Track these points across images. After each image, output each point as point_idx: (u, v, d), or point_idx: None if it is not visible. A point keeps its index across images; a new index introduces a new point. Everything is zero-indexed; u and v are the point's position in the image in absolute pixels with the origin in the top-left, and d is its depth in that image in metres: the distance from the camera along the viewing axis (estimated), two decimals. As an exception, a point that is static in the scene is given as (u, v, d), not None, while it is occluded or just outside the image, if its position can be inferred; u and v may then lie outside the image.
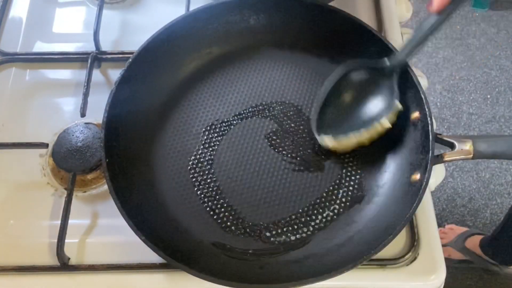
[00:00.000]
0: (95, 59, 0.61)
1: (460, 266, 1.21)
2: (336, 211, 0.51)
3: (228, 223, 0.50)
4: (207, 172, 0.53)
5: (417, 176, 0.48)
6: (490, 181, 1.36)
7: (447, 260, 1.20)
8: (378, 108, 0.51)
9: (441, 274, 0.49)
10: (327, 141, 0.51)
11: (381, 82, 0.51)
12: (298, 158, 0.53)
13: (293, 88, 0.58)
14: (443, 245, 1.17)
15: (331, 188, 0.52)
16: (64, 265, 0.49)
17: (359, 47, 0.56)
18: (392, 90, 0.50)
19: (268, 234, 0.50)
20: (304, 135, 0.55)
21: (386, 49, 0.53)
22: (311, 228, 0.50)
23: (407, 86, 0.52)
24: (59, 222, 0.50)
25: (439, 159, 0.47)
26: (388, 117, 0.50)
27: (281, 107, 0.57)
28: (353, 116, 0.52)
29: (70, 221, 0.51)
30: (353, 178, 0.52)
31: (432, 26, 0.46)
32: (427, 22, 0.46)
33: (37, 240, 0.51)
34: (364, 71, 0.52)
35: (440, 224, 1.26)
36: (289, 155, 0.54)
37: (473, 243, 1.16)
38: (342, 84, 0.52)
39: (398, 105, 0.50)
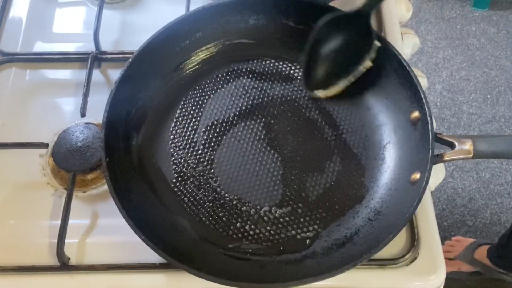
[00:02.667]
0: (95, 59, 0.61)
1: (472, 278, 1.20)
2: (336, 211, 0.51)
3: (229, 223, 0.50)
4: (207, 171, 0.53)
5: (417, 176, 0.48)
6: (490, 181, 1.36)
7: (459, 273, 1.19)
8: (359, 52, 0.54)
9: (441, 274, 0.49)
10: (319, 94, 0.56)
11: (356, 27, 0.53)
12: (298, 158, 0.53)
13: (293, 87, 0.58)
14: (451, 259, 1.17)
15: (331, 188, 0.52)
16: (64, 265, 0.49)
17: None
18: (368, 31, 0.53)
19: (268, 234, 0.50)
20: (303, 134, 0.55)
21: (385, 49, 0.53)
22: (310, 228, 0.50)
23: (407, 86, 0.52)
24: (59, 222, 0.50)
25: (439, 158, 0.47)
26: (370, 57, 0.54)
27: (281, 107, 0.57)
28: (338, 66, 0.55)
29: (70, 221, 0.51)
30: (353, 178, 0.52)
31: None
32: None
33: (37, 240, 0.51)
34: (339, 22, 0.53)
35: (440, 225, 1.26)
36: (289, 155, 0.54)
37: (482, 254, 1.15)
38: (321, 40, 0.54)
39: (377, 43, 0.53)
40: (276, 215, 0.51)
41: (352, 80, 0.55)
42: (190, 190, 0.52)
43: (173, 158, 0.54)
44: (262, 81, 0.58)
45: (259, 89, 0.58)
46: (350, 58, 0.54)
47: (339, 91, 0.56)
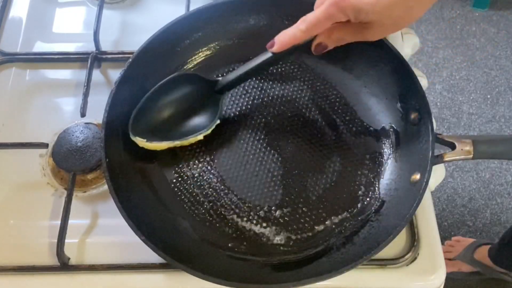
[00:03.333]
0: (95, 59, 0.61)
1: (472, 278, 1.20)
2: (336, 211, 0.51)
3: (229, 223, 0.50)
4: (207, 171, 0.53)
5: (417, 176, 0.48)
6: (490, 181, 1.36)
7: (459, 274, 1.19)
8: (199, 122, 0.53)
9: (441, 274, 0.49)
10: (139, 141, 0.51)
11: (208, 96, 0.53)
12: (298, 158, 0.53)
13: (293, 87, 0.58)
14: (451, 259, 1.17)
15: (331, 188, 0.52)
16: (64, 265, 0.49)
17: (358, 47, 0.56)
18: (215, 108, 0.53)
19: (268, 234, 0.50)
20: (303, 134, 0.55)
21: (385, 49, 0.53)
22: (310, 228, 0.50)
23: (407, 86, 0.52)
24: (59, 222, 0.50)
25: (439, 159, 0.47)
26: (205, 132, 0.52)
27: (282, 107, 0.57)
28: (174, 124, 0.53)
29: (70, 221, 0.51)
30: (353, 179, 0.52)
31: (264, 62, 0.48)
32: (261, 57, 0.48)
33: (37, 240, 0.51)
34: (196, 82, 0.53)
35: (440, 225, 1.26)
36: (289, 155, 0.54)
37: (482, 254, 1.15)
38: (169, 91, 0.52)
39: (217, 122, 0.53)
40: (276, 215, 0.51)
41: (178, 145, 0.52)
42: (190, 190, 0.52)
43: (174, 157, 0.54)
44: (262, 81, 0.58)
45: (259, 89, 0.58)
46: (188, 123, 0.53)
47: (160, 148, 0.52)
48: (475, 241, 1.20)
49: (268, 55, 0.47)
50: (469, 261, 1.17)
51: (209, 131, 0.53)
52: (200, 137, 0.52)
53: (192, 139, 0.52)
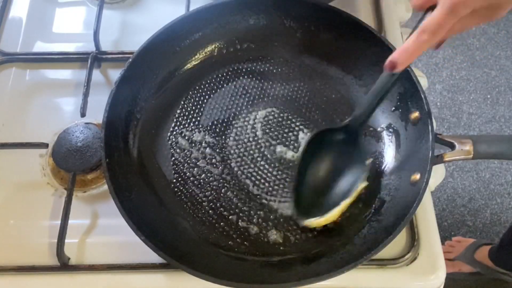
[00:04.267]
0: (95, 59, 0.61)
1: (472, 279, 1.20)
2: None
3: (229, 223, 0.50)
4: (207, 171, 0.53)
5: (417, 176, 0.48)
6: (490, 181, 1.36)
7: (459, 274, 1.19)
8: (352, 176, 0.50)
9: (441, 274, 0.49)
10: (315, 223, 0.49)
11: (346, 146, 0.50)
12: (298, 158, 0.53)
13: (293, 87, 0.58)
14: (452, 260, 1.17)
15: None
16: (64, 265, 0.49)
17: (358, 47, 0.56)
18: (359, 151, 0.51)
19: (268, 234, 0.50)
20: (301, 135, 0.55)
21: (385, 49, 0.53)
22: (310, 228, 0.50)
23: (407, 86, 0.52)
24: (59, 222, 0.50)
25: (439, 159, 0.47)
26: (363, 178, 0.50)
27: (281, 107, 0.57)
28: (330, 191, 0.50)
29: (70, 221, 0.51)
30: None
31: (390, 85, 0.46)
32: (384, 80, 0.45)
33: (37, 240, 0.51)
34: (328, 139, 0.50)
35: (440, 225, 1.26)
36: (289, 156, 0.54)
37: (482, 254, 1.15)
38: (311, 162, 0.50)
39: (369, 163, 0.51)
40: (276, 215, 0.51)
41: (348, 203, 0.49)
42: (190, 190, 0.52)
43: (173, 158, 0.54)
44: (262, 81, 0.58)
45: (259, 89, 0.58)
46: (342, 183, 0.50)
47: (335, 217, 0.49)
48: (476, 242, 1.20)
49: (390, 77, 0.44)
50: (469, 261, 1.17)
51: (365, 174, 0.50)
52: (363, 185, 0.50)
53: (355, 193, 0.49)
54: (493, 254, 1.12)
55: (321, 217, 0.49)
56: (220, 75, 0.59)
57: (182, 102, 0.57)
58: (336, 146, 0.51)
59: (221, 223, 0.50)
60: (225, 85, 0.58)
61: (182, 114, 0.56)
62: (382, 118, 0.55)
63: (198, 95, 0.57)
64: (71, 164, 0.53)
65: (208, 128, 0.55)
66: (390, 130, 0.54)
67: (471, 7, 0.37)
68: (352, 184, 0.50)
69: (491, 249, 1.13)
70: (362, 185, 0.50)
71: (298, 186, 0.50)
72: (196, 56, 0.59)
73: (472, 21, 0.40)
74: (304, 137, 0.55)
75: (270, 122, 0.56)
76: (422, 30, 0.39)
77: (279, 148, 0.54)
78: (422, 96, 0.50)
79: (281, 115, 0.56)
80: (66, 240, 0.50)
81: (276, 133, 0.55)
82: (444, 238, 1.26)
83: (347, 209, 0.50)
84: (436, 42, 0.42)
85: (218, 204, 0.51)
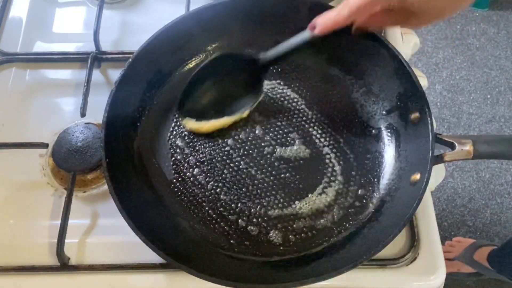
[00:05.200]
0: (95, 59, 0.61)
1: (471, 279, 1.20)
2: (336, 212, 0.51)
3: (229, 223, 0.50)
4: (207, 171, 0.53)
5: (417, 176, 0.48)
6: (490, 181, 1.36)
7: (458, 274, 1.18)
8: (243, 99, 0.54)
9: (441, 274, 0.49)
10: (189, 124, 0.54)
11: (250, 74, 0.53)
12: (298, 158, 0.53)
13: (293, 87, 0.58)
14: (451, 259, 1.16)
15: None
16: (64, 265, 0.49)
17: (358, 47, 0.56)
18: (259, 84, 0.54)
19: (268, 234, 0.50)
20: (302, 135, 0.55)
21: (385, 49, 0.53)
22: (310, 228, 0.50)
23: (407, 86, 0.52)
24: (59, 222, 0.50)
25: (439, 159, 0.47)
26: (250, 108, 0.54)
27: (281, 107, 0.56)
28: (219, 103, 0.54)
29: (70, 221, 0.51)
30: (353, 179, 0.52)
31: (302, 42, 0.48)
32: (302, 36, 0.48)
33: (37, 240, 0.51)
34: (235, 60, 0.53)
35: (440, 225, 1.26)
36: (289, 156, 0.54)
37: (482, 255, 1.15)
38: (214, 70, 0.53)
39: (261, 97, 0.54)
40: (276, 215, 0.51)
41: (223, 123, 0.54)
42: (190, 190, 0.52)
43: (173, 158, 0.54)
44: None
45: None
46: (232, 100, 0.55)
47: (208, 129, 0.54)
48: (475, 242, 1.20)
49: (306, 35, 0.47)
50: (469, 261, 1.17)
51: (253, 107, 0.54)
52: (245, 113, 0.54)
53: (237, 116, 0.54)
54: (493, 260, 1.11)
55: (197, 121, 0.53)
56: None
57: (182, 102, 0.57)
58: (238, 71, 0.53)
59: (221, 223, 0.50)
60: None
61: (182, 114, 0.56)
62: (382, 118, 0.55)
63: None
64: (71, 164, 0.53)
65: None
66: (390, 130, 0.54)
67: (390, 1, 0.41)
68: (237, 109, 0.54)
69: (490, 254, 1.13)
70: (244, 114, 0.54)
71: (189, 88, 0.53)
72: (196, 56, 0.59)
73: (389, 19, 0.44)
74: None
75: (270, 121, 0.56)
76: (345, 4, 0.43)
77: (278, 148, 0.54)
78: (422, 96, 0.50)
79: (281, 115, 0.56)
80: (66, 240, 0.50)
81: (276, 133, 0.55)
82: (444, 238, 1.26)
83: (347, 209, 0.50)
84: (355, 28, 0.46)
85: (218, 204, 0.51)
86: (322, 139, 0.54)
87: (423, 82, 0.62)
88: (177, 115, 0.54)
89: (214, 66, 0.53)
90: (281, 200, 0.51)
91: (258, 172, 0.53)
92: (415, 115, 0.51)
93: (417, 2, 0.41)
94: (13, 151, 0.56)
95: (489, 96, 1.49)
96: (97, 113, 0.54)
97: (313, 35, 0.46)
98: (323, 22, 0.45)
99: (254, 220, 0.50)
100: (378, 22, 0.45)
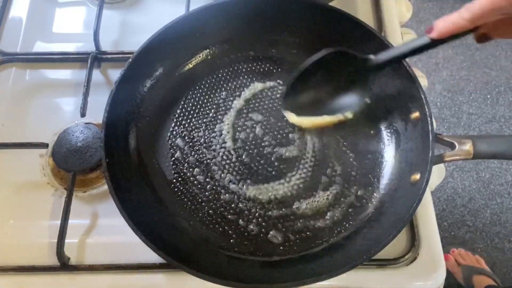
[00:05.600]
0: (95, 59, 0.61)
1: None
2: (336, 212, 0.51)
3: (229, 223, 0.50)
4: (206, 171, 0.53)
5: (417, 176, 0.48)
6: (490, 181, 1.36)
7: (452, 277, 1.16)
8: (347, 100, 0.52)
9: (441, 274, 0.49)
10: (290, 117, 0.53)
11: (358, 75, 0.51)
12: (298, 158, 0.53)
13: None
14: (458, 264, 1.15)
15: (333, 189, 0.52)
16: (64, 265, 0.49)
17: (358, 47, 0.56)
18: (366, 85, 0.51)
19: (268, 234, 0.50)
20: (302, 135, 0.55)
21: (384, 48, 0.53)
22: (310, 228, 0.50)
23: (407, 86, 0.52)
24: (59, 222, 0.50)
25: (439, 159, 0.47)
26: (354, 111, 0.53)
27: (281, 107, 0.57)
28: (321, 101, 0.53)
29: (70, 221, 0.51)
30: (353, 179, 0.52)
31: (420, 46, 0.46)
32: (419, 40, 0.46)
33: (37, 240, 0.51)
34: (345, 59, 0.50)
35: (440, 225, 1.26)
36: (289, 156, 0.54)
37: (481, 282, 1.14)
38: (320, 67, 0.51)
39: (367, 101, 0.53)
40: (276, 215, 0.51)
41: (327, 122, 0.53)
42: (190, 190, 0.52)
43: (173, 158, 0.54)
44: (263, 80, 0.58)
45: (260, 89, 0.58)
46: (335, 100, 0.53)
47: (309, 125, 0.54)
48: (481, 269, 1.18)
49: (424, 39, 0.45)
50: (466, 280, 1.16)
51: (357, 110, 0.53)
52: (349, 115, 0.53)
53: (340, 117, 0.52)
54: None
55: (300, 117, 0.53)
56: (220, 75, 0.59)
57: (182, 102, 0.57)
58: (346, 70, 0.51)
59: (221, 223, 0.50)
60: (225, 85, 0.58)
61: (182, 114, 0.56)
62: (382, 118, 0.55)
63: (198, 95, 0.57)
64: (71, 164, 0.53)
65: (208, 128, 0.55)
66: (390, 130, 0.54)
67: None
68: (339, 109, 0.52)
69: (488, 287, 1.12)
70: (348, 115, 0.53)
71: (295, 83, 0.51)
72: (196, 56, 0.59)
73: None
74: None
75: (270, 122, 0.56)
76: (467, 9, 0.39)
77: (278, 148, 0.54)
78: (422, 96, 0.50)
79: (281, 115, 0.56)
80: (66, 240, 0.50)
81: (275, 133, 0.55)
82: (444, 238, 1.26)
83: (347, 209, 0.50)
84: (478, 35, 0.43)
85: (218, 204, 0.51)
86: (322, 140, 0.54)
87: (423, 82, 0.62)
88: (282, 108, 0.53)
89: (323, 62, 0.50)
90: (281, 200, 0.51)
91: (259, 171, 0.53)
92: (415, 115, 0.51)
93: None
94: (13, 151, 0.56)
95: (489, 96, 1.49)
96: (97, 113, 0.54)
97: (432, 38, 0.43)
98: (443, 25, 0.42)
99: (254, 220, 0.50)
100: (502, 33, 0.41)
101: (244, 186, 0.52)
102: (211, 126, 0.55)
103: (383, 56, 0.50)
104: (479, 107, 1.47)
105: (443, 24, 0.42)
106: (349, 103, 0.52)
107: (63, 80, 0.62)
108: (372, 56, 0.50)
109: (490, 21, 0.39)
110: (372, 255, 0.43)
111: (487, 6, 0.38)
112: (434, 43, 0.44)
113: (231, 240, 0.49)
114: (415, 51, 0.47)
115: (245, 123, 0.56)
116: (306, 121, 0.53)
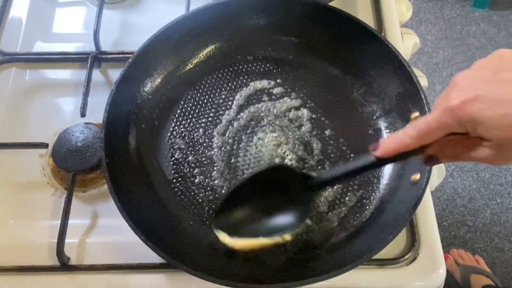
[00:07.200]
0: (95, 59, 0.61)
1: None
2: (336, 212, 0.51)
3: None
4: (206, 171, 0.53)
5: (417, 176, 0.48)
6: (490, 181, 1.36)
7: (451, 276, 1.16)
8: (286, 220, 0.46)
9: (441, 274, 0.49)
10: (222, 237, 0.46)
11: (299, 193, 0.46)
12: (298, 158, 0.53)
13: (292, 87, 0.58)
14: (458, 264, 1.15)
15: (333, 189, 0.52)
16: (64, 265, 0.49)
17: (358, 47, 0.56)
18: (307, 205, 0.46)
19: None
20: (303, 135, 0.55)
21: (385, 49, 0.53)
22: (310, 228, 0.50)
23: (407, 86, 0.52)
24: (59, 222, 0.50)
25: (439, 159, 0.47)
26: (293, 232, 0.49)
27: (282, 107, 0.56)
28: (258, 220, 0.47)
29: (70, 221, 0.51)
30: (353, 179, 0.52)
31: (365, 165, 0.41)
32: (364, 159, 0.41)
33: (37, 240, 0.51)
34: (287, 175, 0.46)
35: (440, 225, 1.26)
36: (289, 157, 0.54)
37: (478, 282, 1.13)
38: (259, 183, 0.46)
39: (308, 222, 0.49)
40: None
41: (262, 243, 0.46)
42: (190, 190, 0.52)
43: (173, 158, 0.54)
44: (263, 80, 0.58)
45: (260, 89, 0.58)
46: (273, 220, 0.46)
47: (241, 247, 0.46)
48: (480, 269, 1.18)
49: (370, 159, 0.40)
50: (464, 280, 1.16)
51: (297, 231, 0.49)
52: (287, 237, 0.48)
53: (276, 239, 0.47)
54: None
55: (233, 237, 0.45)
56: (220, 75, 0.59)
57: (182, 102, 0.57)
58: (287, 187, 0.47)
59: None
60: (225, 85, 0.58)
61: (182, 114, 0.56)
62: (382, 118, 0.55)
63: (198, 95, 0.57)
64: (71, 164, 0.53)
65: (208, 128, 0.55)
66: (390, 130, 0.54)
67: (463, 127, 0.34)
68: (277, 230, 0.46)
69: (485, 286, 1.12)
70: (286, 237, 0.48)
71: (231, 198, 0.46)
72: (196, 56, 0.59)
73: (464, 150, 0.36)
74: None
75: (270, 122, 0.56)
76: (413, 126, 0.37)
77: (278, 148, 0.54)
78: (422, 96, 0.50)
79: (281, 115, 0.56)
80: (66, 240, 0.50)
81: (275, 132, 0.55)
82: (444, 238, 1.26)
83: (347, 209, 0.50)
84: (425, 156, 0.39)
85: (218, 204, 0.51)
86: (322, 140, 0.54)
87: (423, 82, 0.62)
88: (213, 227, 0.46)
89: (261, 179, 0.46)
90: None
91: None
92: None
93: (496, 130, 0.32)
94: (13, 151, 0.56)
95: (489, 96, 1.49)
96: (97, 113, 0.54)
97: (376, 157, 0.39)
98: (386, 144, 0.38)
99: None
100: (451, 154, 0.37)
101: (244, 186, 0.52)
102: (211, 126, 0.55)
103: (326, 174, 0.47)
104: (479, 107, 1.47)
105: (389, 142, 0.38)
106: (288, 223, 0.46)
107: (63, 80, 0.62)
108: (314, 174, 0.46)
109: (437, 140, 0.36)
110: (372, 255, 0.43)
111: (434, 123, 0.35)
112: (381, 162, 0.40)
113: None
114: (360, 170, 0.42)
115: (246, 123, 0.56)
116: (239, 242, 0.46)
